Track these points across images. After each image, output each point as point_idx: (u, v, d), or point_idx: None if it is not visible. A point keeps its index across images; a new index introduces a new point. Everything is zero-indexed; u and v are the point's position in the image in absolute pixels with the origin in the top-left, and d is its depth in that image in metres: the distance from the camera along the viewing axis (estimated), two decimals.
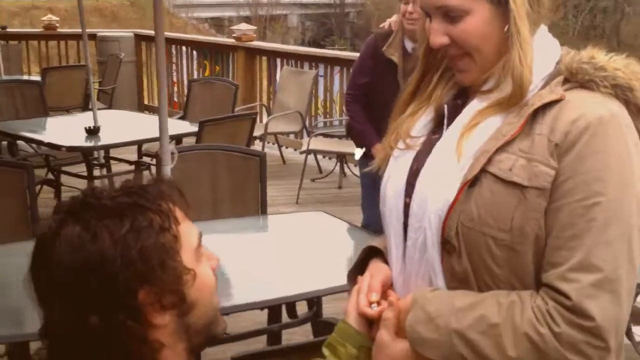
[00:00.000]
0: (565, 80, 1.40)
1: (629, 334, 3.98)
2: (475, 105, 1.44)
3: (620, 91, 1.38)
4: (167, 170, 3.29)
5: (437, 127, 1.51)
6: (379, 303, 1.50)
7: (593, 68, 1.39)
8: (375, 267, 1.59)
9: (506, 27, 1.39)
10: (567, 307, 1.29)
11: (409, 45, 3.94)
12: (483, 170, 1.37)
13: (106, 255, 1.15)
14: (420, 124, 1.54)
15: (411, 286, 1.48)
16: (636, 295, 3.99)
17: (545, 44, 1.46)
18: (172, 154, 3.39)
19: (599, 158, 1.31)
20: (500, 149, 1.37)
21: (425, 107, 1.55)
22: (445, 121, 1.48)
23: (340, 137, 7.00)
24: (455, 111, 1.48)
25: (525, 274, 1.36)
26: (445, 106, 1.50)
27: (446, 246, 1.40)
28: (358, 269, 1.64)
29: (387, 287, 1.54)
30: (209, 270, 1.29)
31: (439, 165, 1.43)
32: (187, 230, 1.26)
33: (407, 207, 1.47)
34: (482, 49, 1.42)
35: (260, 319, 3.63)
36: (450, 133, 1.45)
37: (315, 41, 41.22)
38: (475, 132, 1.40)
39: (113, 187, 1.25)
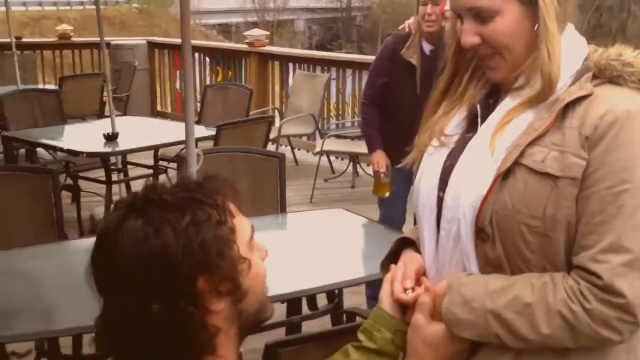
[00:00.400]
0: (594, 77, 1.47)
1: None
2: (507, 103, 1.52)
3: None
4: (193, 171, 3.39)
5: (471, 126, 1.58)
6: (413, 289, 1.58)
7: (621, 64, 1.46)
8: (409, 257, 1.67)
9: (536, 26, 1.46)
10: (599, 286, 1.38)
11: (426, 47, 4.02)
12: (516, 163, 1.44)
13: (169, 248, 1.23)
14: (453, 122, 1.61)
15: (444, 274, 1.56)
16: None
17: (572, 41, 1.53)
18: (198, 155, 3.48)
19: (627, 149, 1.39)
20: (532, 143, 1.44)
21: (458, 107, 1.62)
22: (480, 120, 1.55)
23: (352, 138, 7.10)
24: (487, 110, 1.55)
25: (556, 259, 1.44)
26: (478, 105, 1.58)
27: (480, 234, 1.47)
28: (391, 258, 1.72)
29: (420, 275, 1.62)
30: (260, 261, 1.38)
31: (473, 160, 1.51)
32: (241, 223, 1.34)
33: (440, 200, 1.55)
34: (513, 47, 1.49)
35: (279, 312, 3.71)
36: (484, 130, 1.52)
37: (322, 45, 41.22)
38: (508, 128, 1.48)
39: (170, 183, 1.33)
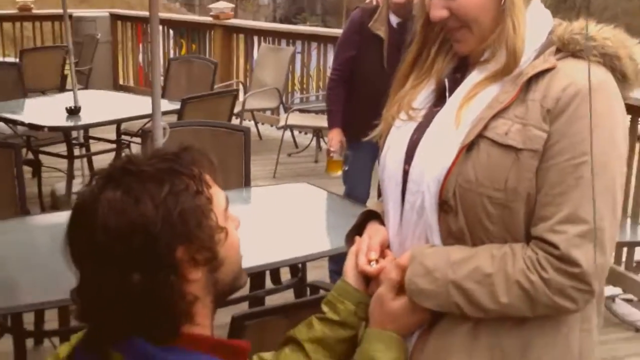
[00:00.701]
0: (558, 50, 1.50)
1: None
2: (473, 77, 1.54)
3: (607, 59, 1.48)
4: (160, 145, 3.37)
5: (439, 100, 1.60)
6: (377, 261, 1.60)
7: (584, 38, 1.48)
8: (374, 229, 1.68)
9: (503, 0, 1.48)
10: (556, 255, 1.41)
11: (394, 20, 4.03)
12: (480, 136, 1.46)
13: (149, 218, 1.22)
14: (421, 96, 1.63)
15: (407, 246, 1.58)
16: None
17: (538, 15, 1.55)
18: (164, 129, 3.46)
19: (587, 122, 1.41)
20: (496, 116, 1.46)
21: (426, 80, 1.64)
22: (447, 94, 1.57)
23: (316, 112, 7.10)
24: (455, 84, 1.57)
25: (517, 230, 1.47)
26: (446, 80, 1.59)
27: (444, 206, 1.49)
28: (356, 231, 1.74)
29: (385, 247, 1.63)
30: (235, 231, 1.38)
31: (438, 134, 1.53)
32: (217, 194, 1.34)
33: (405, 174, 1.57)
34: (480, 20, 1.50)
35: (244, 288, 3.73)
36: (450, 104, 1.54)
37: (286, 18, 40.94)
38: (473, 101, 1.50)
39: (146, 154, 1.32)
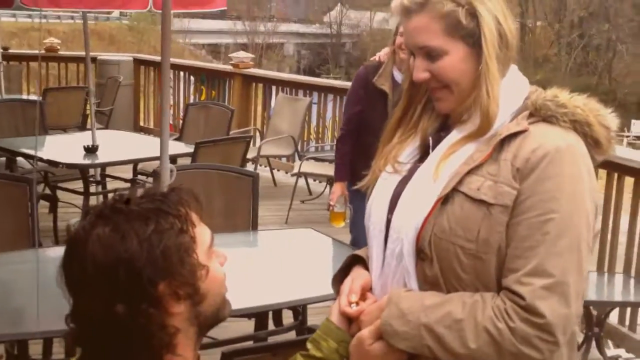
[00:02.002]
0: (531, 115, 1.61)
1: (600, 348, 4.17)
2: (453, 136, 1.65)
3: (579, 126, 1.59)
4: (165, 186, 3.47)
5: (423, 156, 1.71)
6: (357, 303, 1.69)
7: (555, 105, 1.60)
8: (357, 273, 1.78)
9: (480, 66, 1.60)
10: (522, 306, 1.48)
11: (398, 76, 4.14)
12: (455, 190, 1.57)
13: (133, 254, 1.32)
14: (407, 151, 1.74)
15: (388, 290, 1.66)
16: (609, 313, 4.20)
17: (514, 81, 1.67)
18: (171, 171, 3.57)
19: (554, 181, 1.52)
20: (470, 172, 1.57)
21: (412, 136, 1.76)
22: (431, 151, 1.68)
23: (330, 161, 7.16)
24: (438, 142, 1.68)
25: (488, 280, 1.55)
26: (430, 139, 1.71)
27: (420, 254, 1.60)
28: (342, 274, 1.83)
29: (367, 290, 1.73)
30: (219, 266, 1.46)
31: (418, 186, 1.64)
32: (202, 232, 1.43)
33: (388, 222, 1.67)
34: (459, 82, 1.62)
35: (248, 329, 3.79)
36: (431, 160, 1.65)
37: (310, 69, 41.56)
38: (451, 158, 1.61)
39: (137, 194, 1.42)
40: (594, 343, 4.22)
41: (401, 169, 1.72)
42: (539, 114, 1.60)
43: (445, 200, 1.57)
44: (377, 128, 4.16)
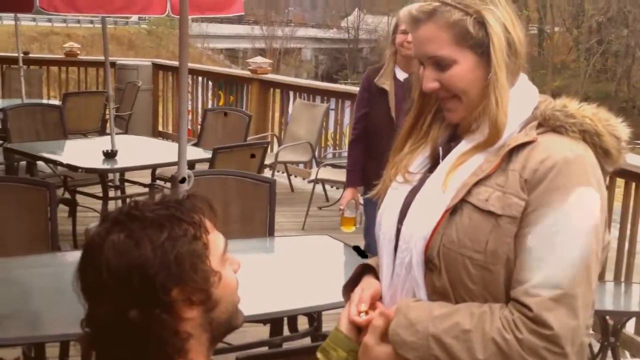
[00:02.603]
0: (539, 125, 1.61)
1: (616, 358, 4.16)
2: (462, 147, 1.66)
3: (588, 136, 1.59)
4: (182, 192, 3.50)
5: (433, 166, 1.71)
6: (367, 312, 1.70)
7: (564, 115, 1.60)
8: (367, 282, 1.79)
9: (489, 75, 1.60)
10: (529, 317, 1.49)
11: (401, 74, 4.20)
12: (464, 201, 1.58)
13: (147, 260, 1.35)
14: (417, 161, 1.75)
15: (397, 300, 1.67)
16: (625, 322, 4.19)
17: (523, 91, 1.67)
18: (189, 177, 3.60)
19: (563, 192, 1.52)
20: (479, 183, 1.58)
21: (422, 146, 1.77)
22: (441, 161, 1.69)
23: None
24: (448, 152, 1.69)
25: (497, 291, 1.56)
26: (440, 149, 1.72)
27: (429, 264, 1.61)
28: (352, 283, 1.84)
29: (376, 299, 1.74)
30: (232, 273, 1.49)
31: (427, 197, 1.65)
32: (215, 239, 1.46)
33: (398, 232, 1.68)
34: (469, 92, 1.63)
35: (263, 335, 3.82)
36: (440, 170, 1.66)
37: (328, 75, 41.58)
38: (460, 169, 1.62)
39: (152, 200, 1.45)
40: (609, 353, 4.21)
41: (412, 178, 1.73)
42: (547, 124, 1.60)
43: (453, 211, 1.58)
44: (380, 126, 4.27)
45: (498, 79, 1.59)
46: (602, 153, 1.60)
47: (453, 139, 1.72)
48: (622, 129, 1.63)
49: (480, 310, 1.53)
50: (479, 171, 1.59)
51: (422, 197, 1.66)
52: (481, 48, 1.60)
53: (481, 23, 1.59)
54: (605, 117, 1.62)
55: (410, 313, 1.59)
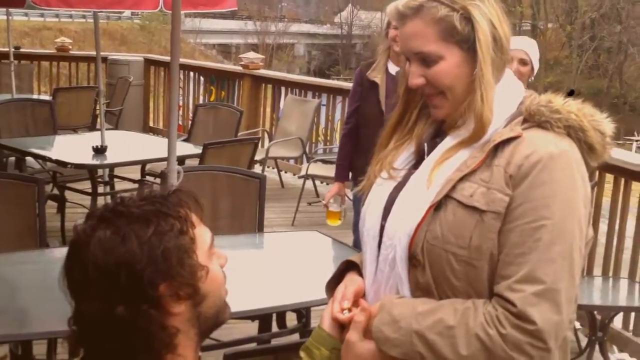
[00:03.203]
0: (525, 120, 1.61)
1: (604, 352, 4.18)
2: (447, 142, 1.66)
3: (572, 131, 1.59)
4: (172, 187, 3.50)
5: (418, 162, 1.71)
6: (350, 310, 1.69)
7: (549, 110, 1.60)
8: (350, 279, 1.79)
9: (475, 70, 1.60)
10: (513, 312, 1.49)
11: (393, 69, 4.21)
12: (448, 196, 1.58)
13: (134, 255, 1.34)
14: (402, 157, 1.75)
15: (381, 296, 1.67)
16: (613, 317, 4.21)
17: (509, 87, 1.67)
18: (178, 172, 3.60)
19: (547, 188, 1.52)
20: (463, 178, 1.58)
21: (408, 142, 1.76)
22: (426, 158, 1.69)
23: None
24: (433, 148, 1.69)
25: (480, 287, 1.56)
26: (425, 145, 1.71)
27: (412, 260, 1.60)
28: (336, 280, 1.84)
29: (360, 296, 1.73)
30: (219, 267, 1.48)
31: (412, 192, 1.65)
32: (202, 233, 1.45)
33: (382, 229, 1.68)
34: (454, 88, 1.62)
35: (252, 331, 3.81)
36: (424, 166, 1.66)
37: (320, 70, 41.56)
38: (444, 165, 1.62)
39: (138, 196, 1.43)
40: (597, 347, 4.22)
41: (396, 175, 1.72)
42: (533, 119, 1.60)
43: (438, 207, 1.58)
44: (370, 120, 4.29)
45: (484, 74, 1.59)
46: (587, 148, 1.60)
47: (438, 135, 1.71)
48: (607, 125, 1.63)
49: (464, 306, 1.53)
50: (464, 167, 1.59)
51: (407, 193, 1.65)
52: (467, 44, 1.59)
53: (467, 19, 1.59)
54: (590, 113, 1.62)
55: (394, 310, 1.58)
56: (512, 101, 1.65)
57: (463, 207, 1.56)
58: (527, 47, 4.14)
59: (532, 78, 4.25)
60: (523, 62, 4.14)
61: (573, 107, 1.61)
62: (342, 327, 1.69)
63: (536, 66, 4.19)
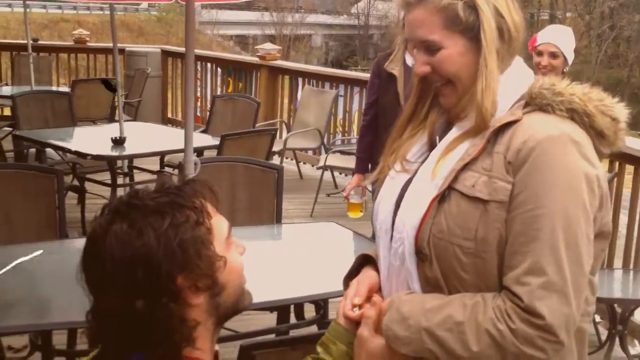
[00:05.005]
0: (527, 104, 1.58)
1: (624, 346, 4.15)
2: (452, 134, 1.63)
3: (577, 116, 1.55)
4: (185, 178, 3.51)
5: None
6: (360, 306, 1.68)
7: (551, 93, 1.56)
8: (365, 274, 1.77)
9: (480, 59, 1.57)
10: (521, 307, 1.46)
11: (410, 60, 4.18)
12: (451, 188, 1.55)
13: (151, 248, 1.34)
14: (415, 148, 1.72)
15: (394, 291, 1.66)
16: (633, 310, 4.18)
17: (518, 75, 1.63)
18: (195, 164, 3.60)
19: (547, 173, 1.47)
20: (465, 168, 1.55)
21: (421, 131, 1.73)
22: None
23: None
24: None
25: (490, 279, 1.53)
26: (437, 138, 1.69)
27: (420, 255, 1.58)
28: (353, 275, 1.82)
29: (374, 291, 1.71)
30: (238, 256, 1.48)
31: (418, 185, 1.63)
32: (218, 223, 1.44)
33: (394, 223, 1.65)
34: (460, 76, 1.60)
35: (270, 323, 3.82)
36: (431, 159, 1.64)
37: (338, 61, 41.51)
38: (449, 156, 1.59)
39: (153, 188, 1.43)
40: (617, 341, 4.19)
41: (409, 167, 1.70)
42: (534, 102, 1.57)
43: (442, 199, 1.55)
44: (389, 110, 4.28)
45: (487, 64, 1.56)
46: (595, 134, 1.55)
47: (449, 125, 1.69)
48: (619, 110, 1.58)
49: (473, 301, 1.51)
50: (466, 155, 1.56)
51: (414, 186, 1.64)
52: (471, 32, 1.57)
53: (472, 7, 1.56)
54: (599, 97, 1.58)
55: (403, 307, 1.56)
56: (520, 89, 1.61)
57: (466, 199, 1.52)
58: (557, 39, 4.11)
59: (567, 68, 4.22)
60: (553, 55, 4.12)
61: (577, 91, 1.57)
62: (358, 321, 1.68)
63: (570, 56, 4.16)
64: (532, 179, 1.48)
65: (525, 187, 1.48)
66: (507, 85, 1.60)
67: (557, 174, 1.47)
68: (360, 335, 1.63)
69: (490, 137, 1.55)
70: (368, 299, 1.69)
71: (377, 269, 1.76)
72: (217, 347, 1.53)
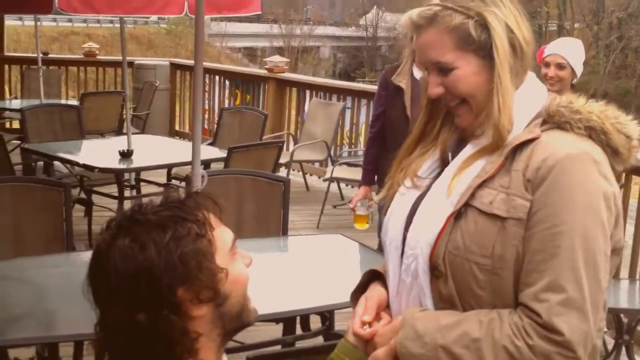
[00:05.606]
0: (544, 122, 1.58)
1: (630, 355, 4.14)
2: (468, 151, 1.63)
3: (594, 134, 1.55)
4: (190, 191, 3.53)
5: (442, 171, 1.68)
6: (370, 324, 1.67)
7: (569, 111, 1.57)
8: (372, 291, 1.76)
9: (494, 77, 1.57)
10: (540, 323, 1.46)
11: (418, 73, 4.19)
12: (468, 205, 1.55)
13: (152, 262, 1.36)
14: (426, 165, 1.72)
15: (404, 308, 1.65)
16: (639, 321, 4.16)
17: (531, 92, 1.64)
18: (203, 177, 3.62)
19: (566, 191, 1.48)
20: (482, 185, 1.55)
21: (432, 149, 1.73)
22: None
23: None
24: None
25: (506, 296, 1.53)
26: (450, 154, 1.69)
27: (434, 271, 1.58)
28: (360, 290, 1.81)
29: (382, 308, 1.71)
30: (243, 267, 1.49)
31: (432, 202, 1.62)
32: (221, 234, 1.46)
33: (405, 239, 1.65)
34: (475, 96, 1.60)
35: (276, 334, 3.83)
36: (445, 175, 1.64)
37: (346, 73, 41.56)
38: (464, 173, 1.59)
39: (156, 202, 1.45)
40: (624, 350, 4.18)
41: (420, 183, 1.69)
42: (552, 120, 1.57)
43: (458, 216, 1.55)
44: (396, 123, 4.29)
45: (502, 82, 1.56)
46: (611, 152, 1.56)
47: (462, 142, 1.69)
48: (633, 127, 1.59)
49: (489, 318, 1.50)
50: (483, 173, 1.56)
51: (428, 202, 1.63)
52: (484, 51, 1.57)
53: (483, 26, 1.56)
54: (614, 115, 1.59)
55: (417, 324, 1.55)
56: (535, 105, 1.62)
57: (484, 215, 1.53)
58: (564, 51, 4.11)
59: (575, 80, 4.22)
60: (560, 66, 4.12)
61: (595, 108, 1.58)
62: (367, 339, 1.67)
63: (578, 68, 4.15)
64: (551, 197, 1.49)
65: (544, 205, 1.49)
66: (522, 101, 1.60)
67: (576, 193, 1.48)
68: (375, 355, 1.62)
69: (508, 154, 1.55)
70: (377, 316, 1.68)
71: (385, 285, 1.75)
72: (225, 358, 1.54)
